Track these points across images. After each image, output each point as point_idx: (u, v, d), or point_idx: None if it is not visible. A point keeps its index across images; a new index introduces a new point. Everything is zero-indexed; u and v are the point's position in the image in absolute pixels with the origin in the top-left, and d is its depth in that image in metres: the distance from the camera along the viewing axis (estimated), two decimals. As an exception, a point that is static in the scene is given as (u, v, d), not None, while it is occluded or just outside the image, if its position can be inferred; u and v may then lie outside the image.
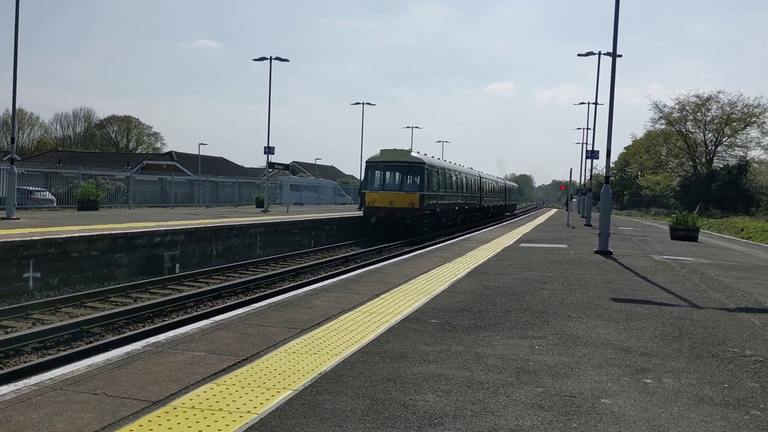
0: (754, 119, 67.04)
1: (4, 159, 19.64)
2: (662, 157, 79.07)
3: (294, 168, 65.41)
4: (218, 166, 70.82)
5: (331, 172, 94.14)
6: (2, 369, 7.97)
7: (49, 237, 13.14)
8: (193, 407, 3.92)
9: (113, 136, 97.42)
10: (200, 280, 15.37)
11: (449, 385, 4.51)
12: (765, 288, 10.40)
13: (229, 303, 12.43)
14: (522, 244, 17.70)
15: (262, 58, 34.16)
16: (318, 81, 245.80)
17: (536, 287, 9.43)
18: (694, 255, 16.37)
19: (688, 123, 71.15)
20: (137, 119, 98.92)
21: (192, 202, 35.08)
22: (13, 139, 19.30)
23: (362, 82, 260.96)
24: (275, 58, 33.93)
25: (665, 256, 15.48)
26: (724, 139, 70.11)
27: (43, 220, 17.89)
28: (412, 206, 28.89)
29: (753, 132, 68.03)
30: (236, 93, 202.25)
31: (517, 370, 4.96)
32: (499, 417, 3.89)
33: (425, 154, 32.47)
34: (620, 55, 28.52)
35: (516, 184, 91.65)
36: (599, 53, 34.57)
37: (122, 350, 5.22)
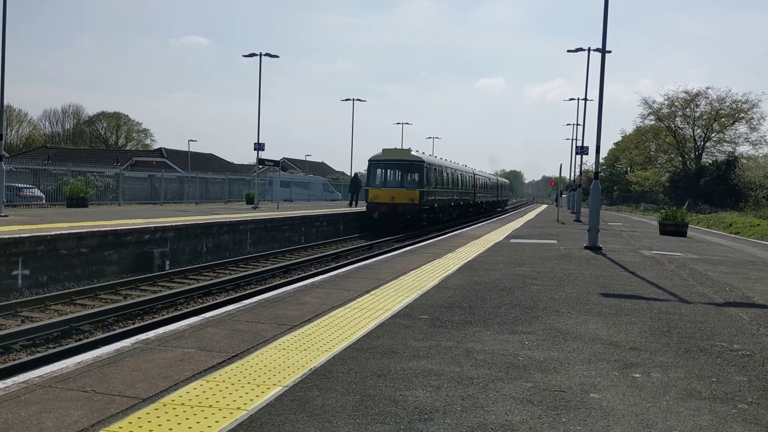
0: (742, 115, 67.38)
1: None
2: (651, 152, 79.33)
3: (284, 164, 65.35)
4: (208, 162, 70.62)
5: (321, 168, 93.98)
6: (-9, 367, 7.92)
7: (38, 234, 13.07)
8: (182, 404, 3.92)
9: (102, 132, 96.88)
10: (190, 276, 15.33)
11: (439, 380, 4.53)
12: (753, 283, 10.48)
13: (219, 300, 12.40)
14: (512, 240, 17.74)
15: (252, 55, 34.05)
16: (308, 77, 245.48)
17: (526, 283, 9.46)
18: (682, 250, 16.46)
19: (677, 119, 71.47)
20: (127, 116, 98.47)
21: (182, 198, 34.95)
22: (0, 136, 19.15)
23: (352, 78, 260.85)
24: (265, 54, 33.85)
25: (654, 252, 15.56)
26: (713, 135, 70.47)
27: (32, 217, 17.79)
28: (413, 202, 30.59)
29: (741, 127, 68.45)
30: (226, 89, 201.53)
31: (507, 365, 4.98)
32: (488, 412, 3.91)
33: (424, 153, 34.06)
34: (609, 51, 28.61)
35: (507, 181, 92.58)
36: (589, 49, 34.66)
37: (112, 347, 5.21)
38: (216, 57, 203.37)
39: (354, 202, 38.60)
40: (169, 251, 16.86)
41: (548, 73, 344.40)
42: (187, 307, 11.87)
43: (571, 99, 49.54)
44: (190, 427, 3.55)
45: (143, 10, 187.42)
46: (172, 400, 3.97)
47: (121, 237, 15.31)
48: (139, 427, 3.54)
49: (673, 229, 22.97)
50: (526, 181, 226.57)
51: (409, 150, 32.80)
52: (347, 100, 55.92)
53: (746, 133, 68.02)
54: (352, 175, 45.73)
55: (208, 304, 11.92)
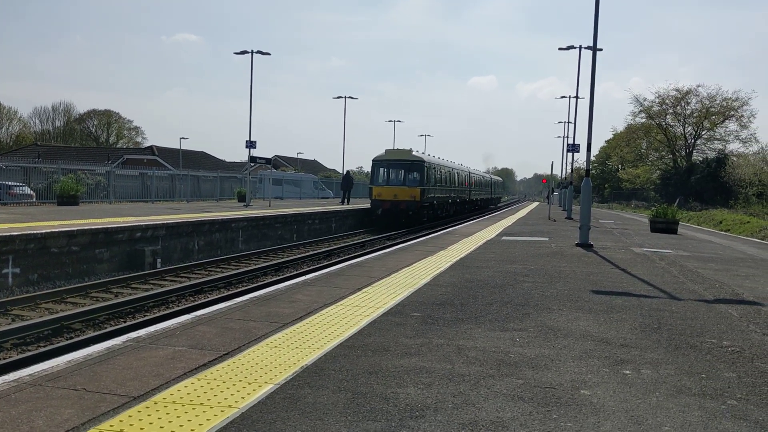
0: (732, 113, 67.76)
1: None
2: (642, 150, 79.67)
3: (276, 162, 65.18)
4: (200, 160, 70.45)
5: (313, 165, 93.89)
6: (-19, 366, 7.89)
7: (29, 232, 13.01)
8: (174, 402, 3.91)
9: (93, 130, 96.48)
10: (182, 274, 15.29)
11: (431, 377, 4.53)
12: (743, 279, 10.54)
13: (210, 298, 12.38)
14: (504, 237, 17.78)
15: (244, 52, 33.98)
16: (301, 75, 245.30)
17: (517, 280, 9.48)
18: (673, 247, 16.53)
19: (668, 116, 71.79)
20: (117, 113, 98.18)
21: (173, 196, 34.84)
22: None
23: (345, 75, 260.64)
24: (257, 52, 33.77)
25: (645, 249, 15.62)
26: (704, 133, 70.82)
27: (23, 216, 17.70)
28: (414, 199, 32.78)
29: (731, 125, 68.87)
30: (218, 87, 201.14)
31: (498, 362, 4.99)
32: (479, 409, 3.92)
33: (424, 153, 36.60)
34: (601, 49, 28.63)
35: (500, 179, 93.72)
36: (580, 47, 34.72)
37: (102, 346, 5.19)
38: (208, 55, 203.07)
39: (346, 200, 38.55)
40: (160, 249, 16.82)
41: (540, 71, 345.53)
42: (178, 305, 11.84)
43: (562, 97, 49.65)
44: (181, 425, 3.55)
45: (135, 8, 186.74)
46: (164, 399, 3.97)
47: (112, 235, 15.26)
48: (130, 425, 3.53)
49: (664, 226, 23.06)
50: (518, 179, 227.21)
51: (411, 150, 34.85)
52: (339, 97, 55.83)
53: (736, 130, 68.50)
54: (344, 172, 45.65)
55: (199, 302, 11.91)
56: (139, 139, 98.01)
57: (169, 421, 3.59)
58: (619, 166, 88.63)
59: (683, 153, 71.59)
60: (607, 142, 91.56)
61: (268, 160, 37.46)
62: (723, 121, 69.08)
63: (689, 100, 69.80)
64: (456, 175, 44.31)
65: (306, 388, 4.22)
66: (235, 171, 56.36)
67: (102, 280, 13.49)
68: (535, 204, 70.55)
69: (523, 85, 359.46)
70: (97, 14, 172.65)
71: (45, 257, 13.39)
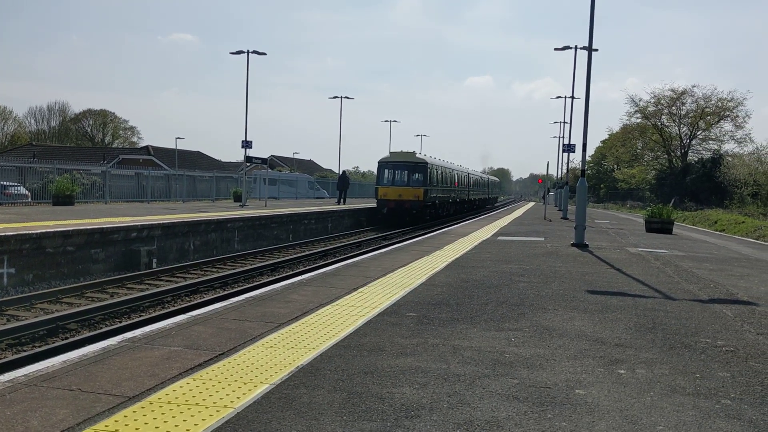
0: (727, 113, 67.88)
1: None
2: (638, 150, 79.80)
3: (272, 162, 65.17)
4: (195, 160, 70.34)
5: (309, 165, 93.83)
6: (-24, 366, 7.87)
7: (24, 232, 12.98)
8: (169, 402, 3.91)
9: (89, 130, 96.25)
10: (177, 275, 15.27)
11: (426, 377, 4.54)
12: (737, 279, 10.57)
13: (206, 298, 12.37)
14: (499, 237, 17.80)
15: (239, 52, 33.90)
16: (297, 75, 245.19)
17: (513, 280, 9.50)
18: (668, 247, 16.57)
19: (663, 117, 71.92)
20: (113, 113, 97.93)
21: (169, 196, 34.77)
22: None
23: (341, 75, 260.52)
24: (252, 52, 33.72)
25: (640, 249, 15.65)
26: (699, 133, 70.94)
27: (18, 215, 17.66)
28: (417, 199, 34.46)
29: (727, 125, 68.95)
30: (214, 87, 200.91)
31: (494, 362, 5.00)
32: (475, 409, 3.93)
33: (427, 155, 38.20)
34: (596, 50, 28.70)
35: (497, 179, 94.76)
36: (575, 47, 34.75)
37: (98, 346, 5.18)
38: (204, 54, 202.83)
39: (342, 200, 38.53)
40: (156, 249, 16.79)
41: (536, 72, 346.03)
42: (174, 306, 11.83)
43: (558, 97, 49.62)
44: (176, 426, 3.55)
45: (130, 7, 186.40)
46: (159, 399, 3.97)
47: (108, 235, 15.23)
48: (125, 425, 3.53)
49: (659, 226, 23.11)
50: (514, 179, 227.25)
51: (414, 153, 36.70)
52: (335, 97, 55.84)
53: (731, 131, 68.58)
54: (340, 172, 45.64)
55: (195, 302, 11.89)
56: (134, 139, 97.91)
57: (165, 422, 3.60)
58: (615, 166, 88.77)
59: (678, 153, 71.72)
60: (603, 142, 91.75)
61: (264, 160, 37.41)
62: (718, 122, 69.21)
63: (684, 101, 69.98)
64: (456, 176, 45.95)
65: (301, 388, 4.23)
66: (231, 171, 56.29)
67: (97, 280, 13.47)
68: (531, 204, 70.67)
69: (519, 85, 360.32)
70: (93, 14, 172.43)
71: (40, 257, 13.36)
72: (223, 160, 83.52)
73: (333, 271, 10.27)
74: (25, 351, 8.61)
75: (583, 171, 16.75)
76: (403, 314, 6.74)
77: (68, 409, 3.74)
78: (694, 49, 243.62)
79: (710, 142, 71.31)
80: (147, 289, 13.21)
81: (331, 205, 34.75)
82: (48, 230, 13.58)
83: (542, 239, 17.59)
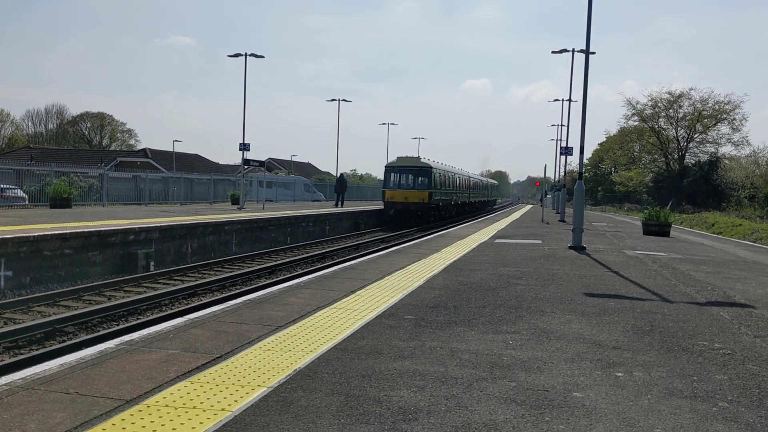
0: (724, 116, 67.96)
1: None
2: (635, 153, 79.86)
3: (270, 165, 65.16)
4: (193, 162, 70.30)
5: (307, 168, 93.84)
6: (-27, 369, 7.85)
7: (21, 235, 12.96)
8: (166, 405, 3.91)
9: (86, 133, 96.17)
10: (175, 277, 15.27)
11: (424, 380, 4.54)
12: (734, 282, 10.59)
13: (204, 301, 12.37)
14: (497, 240, 17.80)
15: (237, 55, 33.91)
16: (295, 77, 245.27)
17: (510, 283, 9.50)
18: (665, 250, 16.59)
19: (660, 120, 72.00)
20: (111, 116, 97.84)
21: (167, 199, 34.73)
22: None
23: (338, 78, 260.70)
24: (250, 55, 33.72)
25: (637, 252, 15.67)
26: (696, 136, 71.00)
27: (15, 218, 17.64)
28: (422, 201, 36.67)
29: (724, 128, 69.02)
30: (212, 89, 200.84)
31: (491, 365, 5.00)
32: (472, 411, 3.93)
33: (430, 160, 40.53)
34: (593, 53, 28.76)
35: (496, 182, 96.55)
36: (573, 50, 34.77)
37: (95, 349, 5.18)
38: (202, 57, 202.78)
39: (340, 203, 38.53)
40: (153, 252, 16.77)
41: (533, 74, 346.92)
42: (171, 308, 11.82)
43: (555, 100, 49.62)
44: (174, 429, 3.55)
45: (129, 10, 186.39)
46: (156, 402, 3.96)
47: (105, 238, 15.22)
48: (123, 428, 3.53)
49: (657, 229, 23.13)
50: (512, 182, 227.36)
51: (419, 158, 39.19)
52: (333, 100, 55.83)
53: (728, 133, 68.66)
54: (338, 175, 45.66)
55: (192, 305, 11.88)
56: (132, 142, 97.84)
57: (162, 425, 3.59)
58: (612, 168, 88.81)
59: (676, 156, 71.79)
60: (600, 145, 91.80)
61: (261, 163, 37.44)
62: (715, 125, 69.30)
63: (682, 104, 70.04)
64: (458, 179, 48.49)
65: (299, 391, 4.23)
66: (228, 174, 56.24)
67: (95, 283, 13.45)
68: (529, 207, 70.73)
69: (516, 88, 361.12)
70: (91, 17, 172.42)
71: (38, 260, 13.34)
72: (221, 162, 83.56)
73: (331, 273, 10.27)
74: (22, 354, 8.60)
75: (580, 174, 16.76)
76: (400, 317, 6.74)
77: (65, 412, 3.73)
78: (692, 53, 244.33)
79: (707, 144, 71.40)
80: (144, 292, 13.20)
81: (328, 208, 34.76)
82: (45, 233, 13.57)
83: (540, 242, 17.60)
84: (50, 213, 21.11)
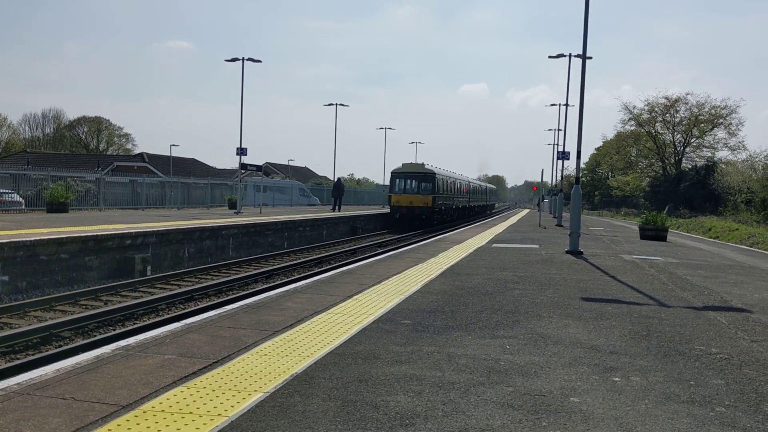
0: (721, 120, 68.12)
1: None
2: (632, 157, 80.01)
3: (267, 169, 65.03)
4: (190, 167, 70.22)
5: (304, 172, 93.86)
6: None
7: (17, 240, 12.94)
8: (163, 411, 3.90)
9: (83, 137, 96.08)
10: (172, 282, 15.24)
11: (421, 385, 4.54)
12: (731, 286, 10.59)
13: (200, 305, 12.33)
14: (494, 245, 17.81)
15: (235, 59, 33.94)
16: (291, 82, 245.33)
17: (508, 287, 9.50)
18: (662, 254, 16.60)
19: (657, 124, 72.13)
20: (108, 120, 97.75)
21: (164, 203, 34.71)
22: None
23: (336, 82, 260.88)
24: (248, 59, 33.73)
25: (635, 256, 15.68)
26: (693, 140, 71.16)
27: (11, 223, 17.60)
28: (426, 205, 38.67)
29: (720, 133, 69.18)
30: (209, 94, 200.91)
31: (488, 369, 5.00)
32: (469, 417, 3.92)
33: (434, 166, 42.20)
34: (590, 57, 28.85)
35: (494, 186, 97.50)
36: (570, 55, 34.89)
37: (91, 354, 5.16)
38: (199, 61, 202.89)
39: (337, 207, 38.50)
40: (150, 257, 16.75)
41: (531, 79, 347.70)
42: (168, 313, 11.80)
43: (552, 105, 49.99)
44: (170, 434, 3.53)
45: (126, 15, 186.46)
46: (153, 407, 3.95)
47: (102, 242, 15.19)
48: (119, 434, 3.51)
49: (654, 233, 23.16)
50: (509, 186, 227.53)
51: (423, 164, 40.89)
52: (330, 104, 55.84)
53: (725, 138, 68.82)
54: (335, 179, 45.68)
55: (189, 309, 11.86)
56: (129, 146, 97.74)
57: (159, 430, 3.58)
58: (609, 173, 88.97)
59: (672, 160, 71.93)
60: (597, 149, 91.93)
61: (259, 167, 37.43)
62: (712, 129, 69.44)
63: (678, 108, 70.21)
64: (459, 184, 50.66)
65: (296, 397, 4.22)
66: (226, 178, 56.21)
67: (91, 288, 13.42)
68: (526, 211, 70.78)
69: (514, 92, 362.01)
70: (88, 21, 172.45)
71: (34, 265, 13.32)
72: (218, 167, 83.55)
73: (328, 278, 10.26)
74: (18, 359, 8.57)
75: (577, 178, 16.78)
76: (398, 322, 6.73)
77: (61, 417, 3.72)
78: (688, 57, 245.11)
79: (704, 149, 71.59)
80: (141, 296, 13.17)
81: (326, 212, 34.75)
82: (42, 238, 13.54)
83: (537, 246, 17.60)
84: (47, 217, 21.08)
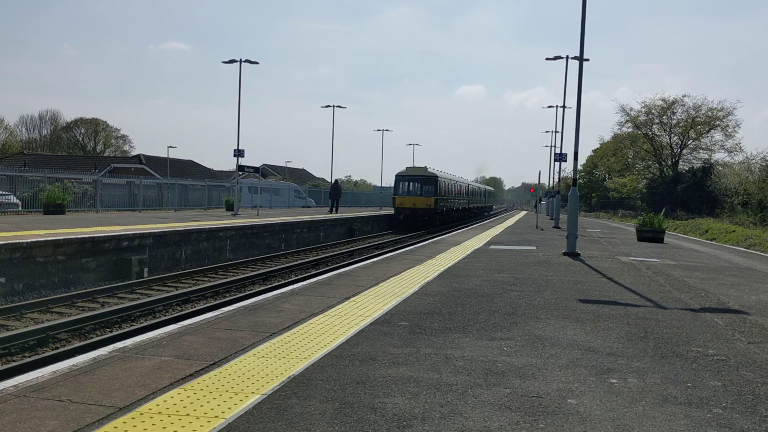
0: (717, 122, 68.16)
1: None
2: (629, 159, 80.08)
3: (264, 171, 65.00)
4: (187, 169, 70.21)
5: (302, 174, 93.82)
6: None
7: (14, 241, 12.91)
8: (160, 413, 3.89)
9: (80, 138, 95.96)
10: (169, 284, 15.21)
11: (418, 387, 4.53)
12: (728, 288, 10.61)
13: (197, 307, 12.31)
14: (492, 246, 17.81)
15: (232, 61, 33.93)
16: (289, 84, 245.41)
17: (505, 289, 9.50)
18: (659, 256, 16.62)
19: (654, 126, 72.17)
20: (105, 122, 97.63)
21: (161, 205, 34.67)
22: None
23: (333, 84, 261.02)
24: (245, 61, 33.74)
25: (632, 258, 15.69)
26: (689, 142, 71.21)
27: (8, 224, 17.57)
28: (429, 207, 40.45)
29: (717, 135, 69.19)
30: (206, 95, 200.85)
31: (486, 371, 5.00)
32: (467, 418, 3.92)
33: (437, 169, 44.59)
34: (587, 59, 28.88)
35: (492, 189, 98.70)
36: (567, 57, 34.90)
37: (88, 356, 5.15)
38: (196, 63, 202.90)
39: (334, 209, 38.48)
40: (147, 258, 16.72)
41: (528, 81, 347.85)
42: (165, 315, 11.77)
43: (549, 106, 49.73)
44: (167, 436, 3.53)
45: (123, 16, 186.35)
46: (150, 409, 3.94)
47: (99, 244, 15.16)
48: (116, 436, 3.51)
49: (651, 235, 23.19)
50: (506, 188, 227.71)
51: (426, 168, 42.82)
52: (328, 106, 55.79)
53: (722, 140, 68.82)
54: (333, 181, 45.69)
55: (186, 311, 11.84)
56: (126, 148, 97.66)
57: (155, 432, 3.57)
58: (606, 175, 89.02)
59: (669, 162, 71.99)
60: (594, 151, 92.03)
61: (256, 169, 37.36)
62: (708, 131, 69.48)
63: (675, 110, 70.25)
64: (459, 186, 52.42)
65: (293, 399, 4.21)
66: (223, 180, 56.15)
67: (88, 290, 13.39)
68: (523, 213, 70.90)
69: (511, 94, 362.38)
70: (85, 23, 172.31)
71: (31, 267, 13.29)
72: (215, 168, 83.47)
73: (325, 280, 10.26)
74: (14, 361, 8.55)
75: (574, 180, 16.79)
76: (395, 323, 6.73)
77: (58, 420, 3.71)
78: (685, 59, 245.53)
79: (701, 151, 71.59)
80: (138, 298, 13.15)
81: (323, 214, 34.75)
82: (38, 239, 13.51)
83: (534, 248, 17.62)
84: (43, 219, 21.04)
